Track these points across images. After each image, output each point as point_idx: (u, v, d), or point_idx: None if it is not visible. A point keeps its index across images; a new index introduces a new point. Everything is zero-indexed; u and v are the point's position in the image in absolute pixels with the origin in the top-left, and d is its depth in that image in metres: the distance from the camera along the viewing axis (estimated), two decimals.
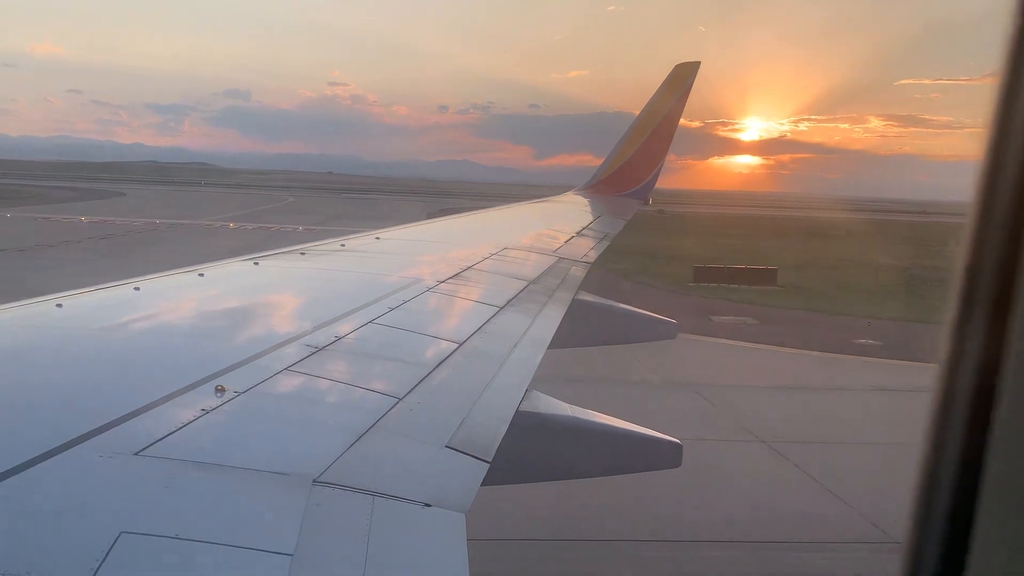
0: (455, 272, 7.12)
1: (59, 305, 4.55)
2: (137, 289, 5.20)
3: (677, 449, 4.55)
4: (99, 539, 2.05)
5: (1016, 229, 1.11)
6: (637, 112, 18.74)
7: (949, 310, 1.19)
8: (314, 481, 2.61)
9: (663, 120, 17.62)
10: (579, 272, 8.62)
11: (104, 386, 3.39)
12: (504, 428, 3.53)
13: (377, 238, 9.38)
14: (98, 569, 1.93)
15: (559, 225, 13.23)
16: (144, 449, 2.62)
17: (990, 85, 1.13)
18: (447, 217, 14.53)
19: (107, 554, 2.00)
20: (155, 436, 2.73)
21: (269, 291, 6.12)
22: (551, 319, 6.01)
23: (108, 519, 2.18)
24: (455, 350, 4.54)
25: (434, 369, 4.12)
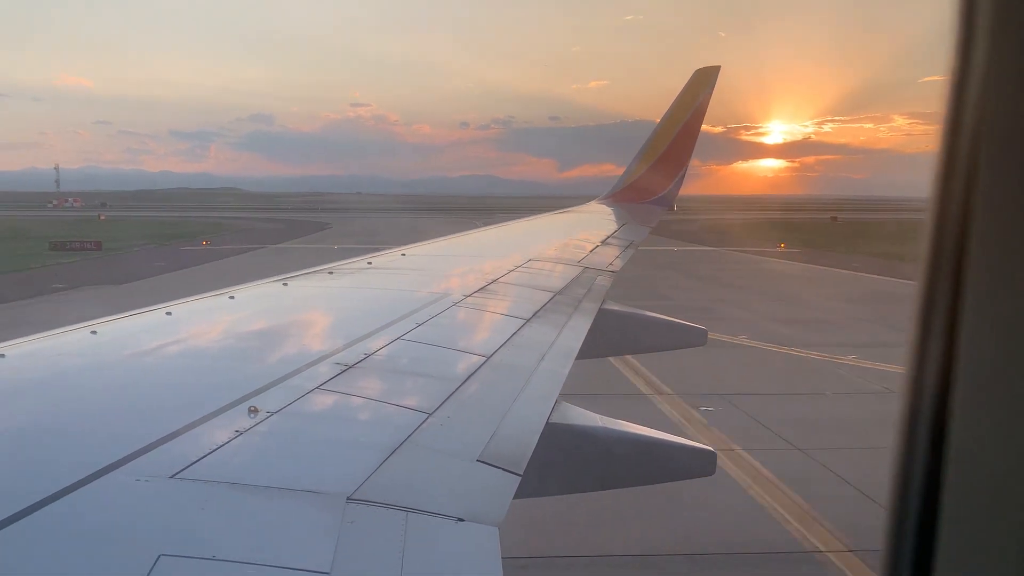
0: (481, 285, 7.14)
1: (94, 332, 4.63)
2: (169, 314, 5.28)
3: (710, 457, 4.52)
4: (139, 562, 2.08)
5: (962, 236, 1.12)
6: (657, 119, 18.70)
7: (912, 316, 1.21)
8: (348, 499, 2.63)
9: (685, 125, 17.55)
10: (605, 281, 8.60)
11: (139, 410, 3.44)
12: (535, 440, 3.52)
13: (403, 254, 9.44)
14: None
15: (584, 235, 13.21)
16: (180, 472, 2.65)
17: (941, 86, 1.15)
18: (471, 231, 14.59)
19: None
20: (190, 459, 2.76)
21: (299, 311, 6.18)
22: (578, 329, 6.00)
23: (147, 542, 2.21)
24: (483, 363, 4.55)
25: (463, 383, 4.13)
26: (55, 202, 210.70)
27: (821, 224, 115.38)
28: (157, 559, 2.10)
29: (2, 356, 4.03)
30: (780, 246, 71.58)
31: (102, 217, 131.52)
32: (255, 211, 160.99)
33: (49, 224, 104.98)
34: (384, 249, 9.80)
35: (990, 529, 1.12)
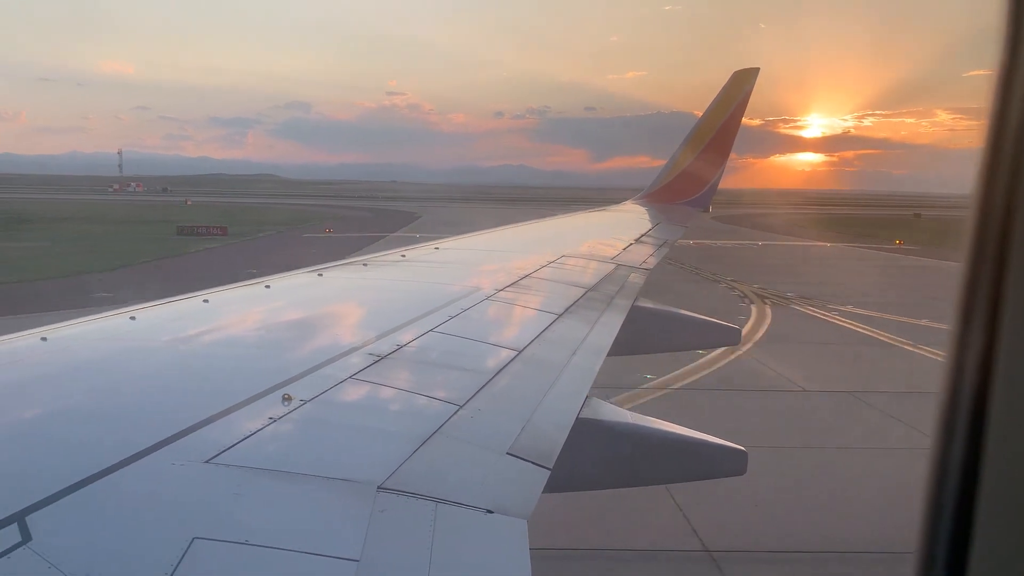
0: (513, 280, 7.15)
1: (133, 318, 4.73)
2: (206, 301, 5.36)
3: (742, 456, 4.48)
4: (174, 544, 2.13)
5: (1007, 229, 1.11)
6: (695, 111, 18.57)
7: (953, 314, 1.19)
8: (379, 487, 2.66)
9: (721, 127, 17.40)
10: (638, 279, 8.56)
11: (176, 396, 3.50)
12: (565, 435, 3.53)
13: (436, 248, 9.49)
14: (173, 572, 2.00)
15: (617, 233, 13.17)
16: (214, 457, 2.70)
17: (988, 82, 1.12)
18: (504, 227, 14.63)
19: (181, 559, 2.06)
20: (225, 444, 2.81)
21: (333, 301, 6.24)
22: (610, 326, 5.99)
23: (182, 525, 2.26)
24: (514, 357, 4.56)
25: (494, 376, 4.14)
26: (115, 186, 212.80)
27: (909, 221, 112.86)
28: (191, 542, 2.14)
29: (44, 340, 4.13)
30: (897, 243, 69.43)
31: (188, 202, 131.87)
32: (319, 199, 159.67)
33: (142, 209, 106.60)
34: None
35: None
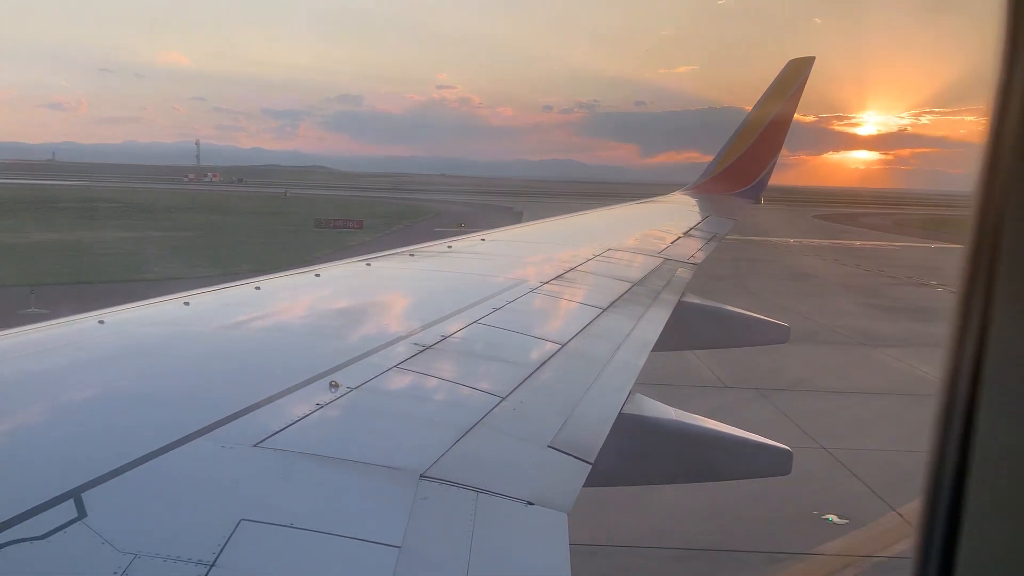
0: (558, 273, 7.14)
1: (187, 303, 4.84)
2: (258, 289, 5.47)
3: (787, 456, 4.42)
4: (221, 525, 2.18)
5: (996, 230, 1.12)
6: (747, 107, 18.27)
7: (951, 310, 1.20)
8: (421, 476, 2.69)
9: (775, 118, 17.09)
10: (685, 274, 8.48)
11: (226, 380, 3.58)
12: (607, 430, 3.52)
13: (482, 239, 9.52)
14: (220, 553, 2.05)
15: (665, 225, 13.05)
16: (262, 441, 2.76)
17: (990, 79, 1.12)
18: (550, 219, 14.57)
19: (228, 539, 2.11)
20: (273, 429, 2.86)
21: (380, 291, 6.31)
22: (656, 321, 5.95)
23: (229, 506, 2.31)
24: (558, 351, 4.56)
25: (537, 369, 4.15)
26: (191, 176, 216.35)
27: None
28: (238, 523, 2.20)
29: (102, 323, 4.25)
30: None
31: (287, 194, 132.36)
32: (390, 192, 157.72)
33: (244, 200, 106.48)
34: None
35: (1013, 529, 1.12)
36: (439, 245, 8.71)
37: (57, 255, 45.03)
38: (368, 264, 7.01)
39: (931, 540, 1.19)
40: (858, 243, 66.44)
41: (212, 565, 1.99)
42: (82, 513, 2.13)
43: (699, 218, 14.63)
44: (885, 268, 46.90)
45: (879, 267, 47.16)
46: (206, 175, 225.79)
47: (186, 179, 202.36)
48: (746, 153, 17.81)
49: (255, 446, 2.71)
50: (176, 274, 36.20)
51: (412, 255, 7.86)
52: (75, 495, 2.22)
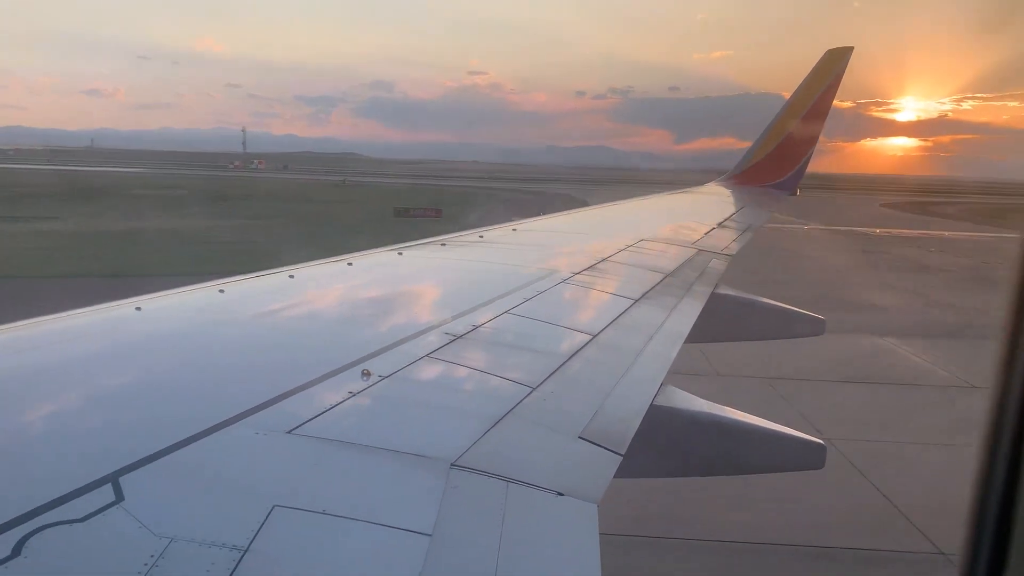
0: (590, 264, 7.11)
1: (221, 291, 4.90)
2: (291, 277, 5.52)
3: (820, 451, 4.37)
4: (255, 510, 2.21)
5: None
6: (783, 93, 18.02)
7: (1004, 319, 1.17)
8: (452, 464, 2.70)
9: (812, 109, 16.82)
10: (719, 265, 8.40)
11: (260, 368, 3.62)
12: (638, 421, 3.51)
13: (514, 229, 9.51)
14: (254, 538, 2.08)
15: (699, 216, 12.93)
16: (295, 428, 2.79)
17: None
18: (582, 209, 14.51)
19: (262, 525, 2.14)
20: (305, 416, 2.89)
21: (412, 280, 6.33)
22: (688, 313, 5.90)
23: (263, 492, 2.34)
24: (589, 342, 4.54)
25: (568, 360, 4.14)
26: (237, 163, 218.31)
27: None
28: (271, 509, 2.23)
29: (139, 310, 4.32)
30: None
31: (346, 182, 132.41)
32: (442, 180, 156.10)
33: (304, 188, 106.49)
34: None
35: None
36: (471, 235, 8.72)
37: (194, 246, 44.21)
38: (400, 253, 7.04)
39: (980, 541, 1.17)
40: (947, 234, 64.81)
41: (246, 550, 2.02)
42: (119, 497, 2.17)
43: (734, 209, 14.48)
44: (1008, 261, 45.87)
45: (1000, 260, 45.49)
46: (252, 162, 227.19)
47: (231, 166, 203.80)
48: (782, 145, 17.58)
49: (289, 433, 2.75)
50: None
51: (444, 244, 7.88)
52: (113, 479, 2.26)
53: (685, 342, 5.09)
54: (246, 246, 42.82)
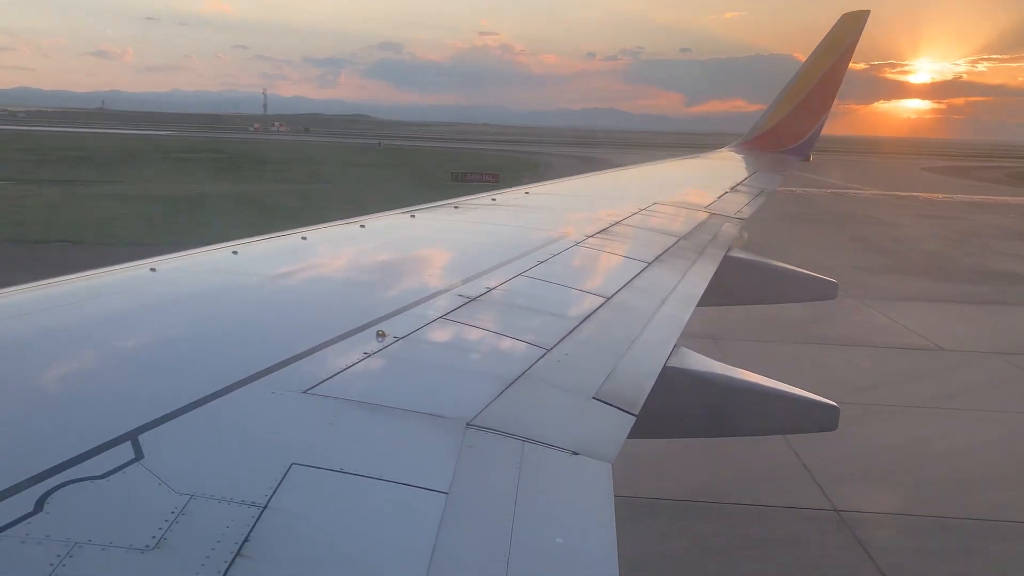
0: (603, 227, 7.08)
1: (235, 252, 4.91)
2: (304, 239, 5.52)
3: (833, 412, 4.38)
4: (273, 468, 2.23)
5: None
6: (796, 54, 17.93)
7: None
8: (467, 424, 2.72)
9: (826, 74, 16.57)
10: (732, 229, 8.36)
11: (275, 329, 3.63)
12: (651, 383, 3.52)
13: (527, 192, 9.48)
14: (272, 496, 2.10)
15: (711, 181, 12.85)
16: (312, 388, 2.80)
17: None
18: (594, 173, 14.43)
19: (280, 483, 2.16)
20: (321, 376, 2.91)
21: (425, 243, 6.33)
22: (701, 276, 5.89)
23: (280, 451, 2.36)
24: (602, 304, 4.54)
25: (582, 322, 4.14)
26: (257, 125, 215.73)
27: None
28: (289, 467, 2.24)
29: (153, 271, 4.34)
30: None
31: (380, 145, 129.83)
32: (467, 143, 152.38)
33: (339, 152, 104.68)
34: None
35: None
36: (483, 198, 8.69)
37: (301, 211, 42.72)
38: (412, 216, 7.03)
39: None
40: (1010, 199, 63.79)
41: (265, 507, 2.04)
42: (139, 455, 2.19)
43: (746, 174, 14.37)
44: None
45: None
46: (273, 125, 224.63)
47: (252, 128, 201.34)
48: (796, 110, 17.38)
49: (304, 393, 2.76)
50: None
51: (456, 207, 7.86)
52: (132, 437, 2.28)
53: (699, 305, 5.09)
54: (341, 206, 41.65)
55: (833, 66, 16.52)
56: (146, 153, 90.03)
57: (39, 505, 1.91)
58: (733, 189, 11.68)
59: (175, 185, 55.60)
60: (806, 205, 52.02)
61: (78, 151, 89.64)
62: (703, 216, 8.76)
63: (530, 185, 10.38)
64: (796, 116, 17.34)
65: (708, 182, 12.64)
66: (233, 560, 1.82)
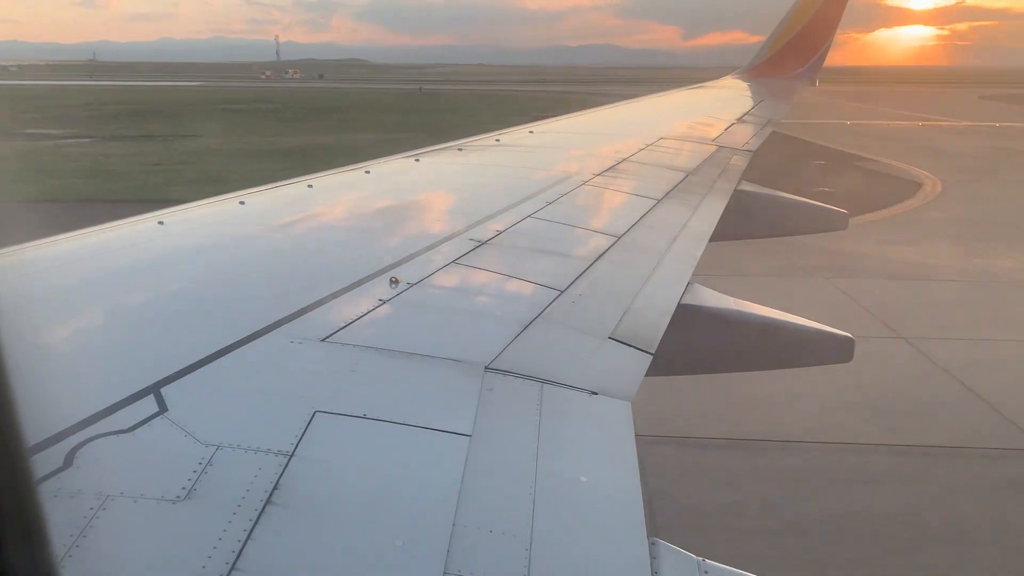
0: (610, 165, 7.00)
1: (242, 203, 4.87)
2: (310, 187, 5.47)
3: (849, 343, 4.38)
4: (297, 416, 2.24)
5: None
6: None
7: None
8: (486, 368, 2.72)
9: None
10: (740, 161, 8.26)
11: (288, 278, 3.62)
12: (666, 320, 3.51)
13: (531, 132, 9.35)
14: (298, 443, 2.11)
15: (717, 112, 12.65)
16: (329, 336, 2.80)
17: None
18: (598, 108, 14.20)
19: (304, 430, 2.18)
20: (338, 324, 2.90)
21: (432, 187, 6.27)
22: (712, 211, 5.84)
23: (303, 399, 2.37)
24: (614, 243, 4.51)
25: (594, 262, 4.12)
26: (268, 73, 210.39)
27: None
28: (313, 415, 2.25)
29: (161, 224, 4.31)
30: None
31: (421, 90, 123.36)
32: (483, 85, 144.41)
33: (394, 97, 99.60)
34: None
35: None
36: (487, 139, 8.58)
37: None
38: (417, 160, 6.95)
39: None
40: None
41: (291, 455, 2.05)
42: (163, 407, 2.21)
43: (752, 103, 14.14)
44: None
45: None
46: (286, 72, 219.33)
47: (263, 76, 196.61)
48: (800, 34, 17.01)
49: (323, 341, 2.76)
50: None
51: (461, 149, 7.77)
52: (154, 390, 2.29)
53: (711, 240, 5.05)
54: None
55: None
56: (195, 105, 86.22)
57: (69, 460, 1.92)
58: (740, 120, 11.51)
59: (259, 138, 52.07)
60: (927, 140, 47.99)
61: (125, 105, 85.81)
62: (711, 149, 8.65)
63: (534, 123, 10.23)
64: (801, 40, 17.01)
65: (714, 113, 12.44)
66: (264, 507, 1.84)
